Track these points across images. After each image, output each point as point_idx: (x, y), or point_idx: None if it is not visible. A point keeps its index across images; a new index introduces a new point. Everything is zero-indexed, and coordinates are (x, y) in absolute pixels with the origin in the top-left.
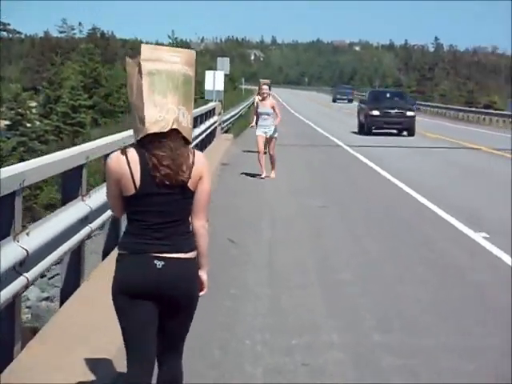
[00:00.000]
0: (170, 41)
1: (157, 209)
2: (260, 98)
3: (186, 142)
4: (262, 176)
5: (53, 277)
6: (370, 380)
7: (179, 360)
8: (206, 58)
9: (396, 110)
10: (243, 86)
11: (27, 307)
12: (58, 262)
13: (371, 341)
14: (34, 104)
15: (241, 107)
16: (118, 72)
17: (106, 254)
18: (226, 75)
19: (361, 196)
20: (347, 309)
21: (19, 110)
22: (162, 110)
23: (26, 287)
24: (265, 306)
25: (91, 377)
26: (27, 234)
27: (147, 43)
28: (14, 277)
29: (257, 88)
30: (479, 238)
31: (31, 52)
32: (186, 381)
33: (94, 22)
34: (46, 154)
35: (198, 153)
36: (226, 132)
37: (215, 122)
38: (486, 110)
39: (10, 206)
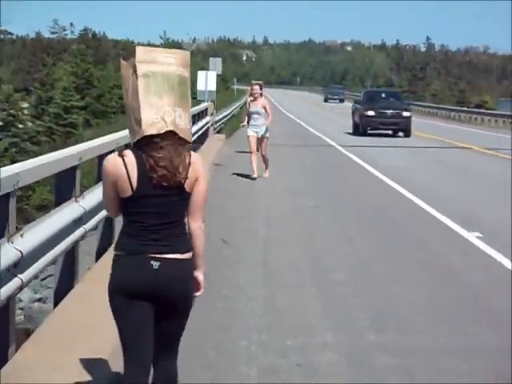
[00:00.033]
0: (162, 41)
1: (153, 210)
2: (251, 99)
3: (185, 142)
4: (254, 176)
5: (45, 278)
6: (364, 380)
7: (174, 360)
8: (197, 59)
9: (392, 111)
10: (235, 87)
11: (20, 308)
12: (52, 263)
13: (365, 340)
14: (25, 105)
15: (233, 107)
16: (110, 73)
17: (99, 255)
18: (218, 75)
19: (353, 195)
20: (341, 309)
21: (11, 111)
22: (158, 112)
23: (21, 289)
24: (259, 306)
25: (88, 377)
26: (21, 236)
27: (139, 44)
28: (8, 278)
29: (249, 88)
30: (472, 237)
31: (23, 53)
32: (181, 381)
33: (85, 23)
34: (39, 155)
35: (194, 154)
36: (218, 132)
37: (208, 123)
38: (478, 110)
39: (4, 208)
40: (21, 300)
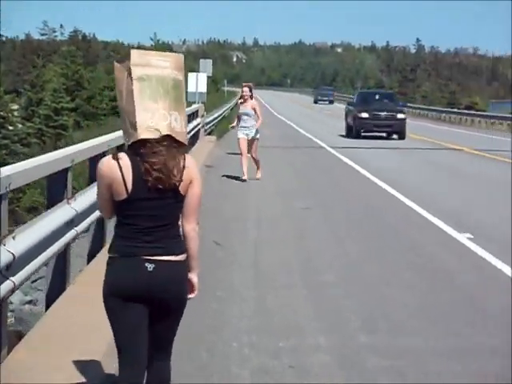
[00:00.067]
0: (152, 43)
1: (148, 213)
2: (241, 100)
3: (181, 145)
4: (244, 178)
5: (36, 280)
6: (356, 381)
7: (168, 362)
8: (188, 61)
9: (386, 113)
10: (226, 88)
11: (10, 311)
12: (44, 265)
13: (357, 342)
14: (15, 107)
15: (224, 109)
16: (100, 74)
17: (91, 257)
18: (208, 77)
19: (343, 197)
20: (331, 310)
21: (1, 113)
22: (153, 116)
23: (13, 291)
24: (250, 308)
25: (83, 379)
26: (13, 238)
27: (129, 45)
28: (0, 281)
29: (239, 90)
30: (463, 238)
31: (12, 54)
32: (174, 381)
33: (75, 24)
34: (29, 157)
35: (188, 157)
36: (209, 134)
37: (198, 124)
38: (468, 111)
39: None
40: (11, 302)
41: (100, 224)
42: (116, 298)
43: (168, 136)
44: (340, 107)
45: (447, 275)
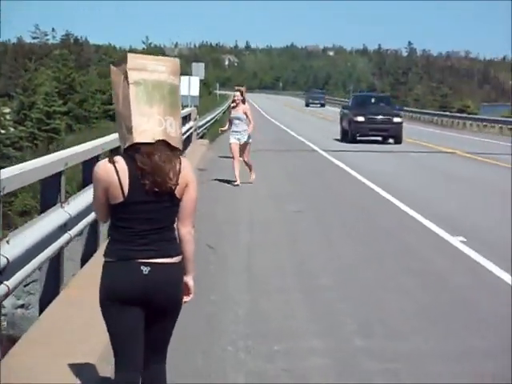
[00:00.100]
0: (144, 46)
1: (144, 216)
2: (233, 105)
3: (176, 149)
4: (237, 183)
5: (28, 284)
6: None
7: (163, 364)
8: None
9: (382, 116)
10: (218, 92)
11: (2, 315)
12: (38, 269)
13: (352, 345)
14: (7, 110)
15: (216, 112)
16: (93, 78)
17: (84, 261)
18: (200, 80)
19: (336, 200)
20: (325, 313)
21: None
22: (149, 121)
23: (7, 295)
24: (244, 312)
25: (78, 382)
26: (7, 242)
27: (121, 49)
28: None
29: (232, 93)
30: (456, 241)
31: (4, 58)
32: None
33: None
34: (21, 160)
35: (184, 160)
36: (201, 137)
37: (191, 128)
38: (460, 115)
39: None
40: (3, 306)
41: (93, 227)
42: (112, 301)
43: (163, 140)
44: (331, 110)
45: (439, 277)
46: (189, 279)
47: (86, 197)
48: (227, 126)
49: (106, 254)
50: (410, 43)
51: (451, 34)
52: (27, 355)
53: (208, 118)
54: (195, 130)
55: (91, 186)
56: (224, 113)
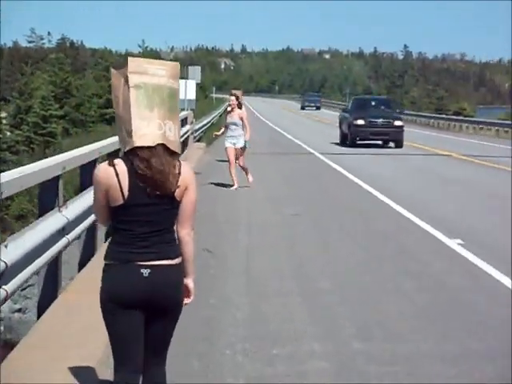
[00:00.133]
0: (140, 50)
1: (144, 219)
2: (229, 109)
3: (174, 153)
4: (235, 188)
5: (25, 288)
6: None
7: (163, 366)
8: None
9: (382, 120)
10: (214, 95)
11: (0, 319)
12: (36, 273)
13: (351, 349)
14: (3, 114)
15: (212, 116)
16: (89, 81)
17: (82, 265)
18: (197, 84)
19: (333, 202)
20: (325, 316)
21: None
22: (149, 124)
23: (5, 300)
24: (243, 315)
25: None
26: (6, 247)
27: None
28: None
29: (228, 97)
30: (454, 244)
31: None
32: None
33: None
34: (18, 164)
35: (184, 163)
36: (198, 141)
37: (188, 131)
38: (456, 117)
39: None
40: (1, 311)
41: (91, 232)
42: (113, 304)
43: (162, 144)
44: (327, 113)
45: (437, 279)
46: (189, 281)
47: (83, 201)
48: (221, 130)
49: (106, 257)
50: (405, 46)
51: (447, 36)
52: (26, 359)
53: (204, 122)
54: (192, 133)
55: (89, 189)
56: (220, 116)
